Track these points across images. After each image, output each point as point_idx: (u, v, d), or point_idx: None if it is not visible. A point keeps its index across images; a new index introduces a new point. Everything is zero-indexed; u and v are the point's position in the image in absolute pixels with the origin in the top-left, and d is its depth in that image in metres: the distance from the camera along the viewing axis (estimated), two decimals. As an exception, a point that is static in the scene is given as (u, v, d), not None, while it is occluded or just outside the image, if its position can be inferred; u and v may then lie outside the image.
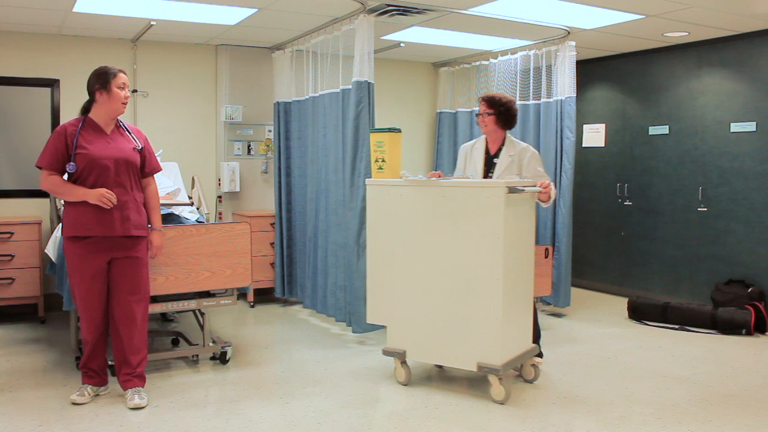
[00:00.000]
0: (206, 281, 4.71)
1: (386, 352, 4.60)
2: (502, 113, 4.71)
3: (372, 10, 5.61)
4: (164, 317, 6.34)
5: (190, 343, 5.26)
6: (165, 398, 4.26)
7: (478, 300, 4.19)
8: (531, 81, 6.85)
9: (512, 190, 4.15)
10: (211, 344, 4.99)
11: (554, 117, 6.56)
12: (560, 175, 6.50)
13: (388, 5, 5.55)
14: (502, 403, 4.18)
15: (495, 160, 4.77)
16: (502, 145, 4.77)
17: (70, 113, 6.65)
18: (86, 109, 4.12)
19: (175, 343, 5.50)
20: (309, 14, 5.88)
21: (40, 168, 4.02)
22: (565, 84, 6.46)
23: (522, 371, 4.65)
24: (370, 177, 4.98)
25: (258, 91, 7.39)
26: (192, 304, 4.82)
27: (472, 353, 4.23)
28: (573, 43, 6.43)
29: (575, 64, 6.43)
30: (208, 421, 3.90)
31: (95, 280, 4.04)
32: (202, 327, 4.98)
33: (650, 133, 7.33)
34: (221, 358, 5.00)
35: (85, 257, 4.01)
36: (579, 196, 7.46)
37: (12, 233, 6.00)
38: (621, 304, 7.00)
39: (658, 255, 7.29)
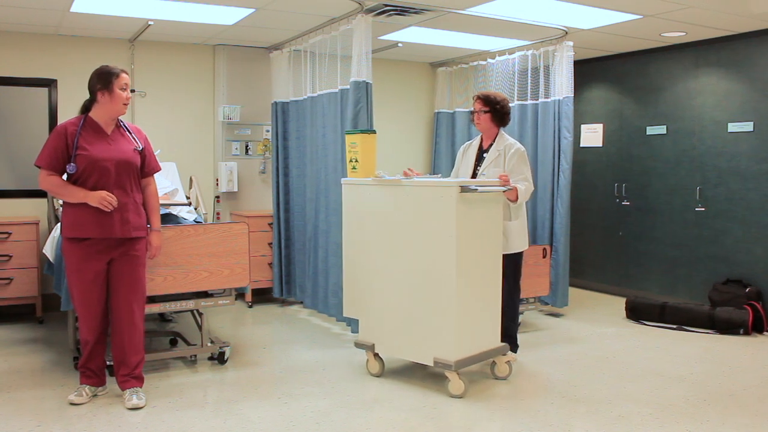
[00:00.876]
0: (204, 281, 4.71)
1: (357, 345, 4.80)
2: (497, 111, 4.92)
3: (370, 10, 5.61)
4: (162, 317, 6.33)
5: (188, 344, 5.25)
6: (163, 398, 4.26)
7: (434, 297, 4.32)
8: (529, 81, 6.85)
9: (465, 189, 4.23)
10: (209, 344, 4.99)
11: (552, 117, 6.56)
12: (558, 175, 6.50)
13: (386, 5, 5.55)
14: (460, 397, 4.29)
15: (485, 155, 4.98)
16: (494, 141, 4.97)
17: (67, 113, 6.63)
18: (86, 108, 4.10)
19: (173, 343, 5.50)
20: (307, 14, 5.88)
21: (38, 167, 3.99)
22: (562, 84, 6.46)
23: (495, 369, 4.69)
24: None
25: (256, 91, 7.39)
26: (190, 304, 4.82)
27: (429, 348, 4.37)
28: (570, 43, 6.43)
29: (573, 64, 6.43)
30: (207, 422, 3.90)
31: (95, 282, 4.03)
32: (200, 327, 4.98)
33: (648, 133, 7.34)
34: (219, 359, 4.99)
35: (85, 259, 3.99)
36: (577, 196, 7.46)
37: (10, 233, 5.99)
38: (619, 303, 7.00)
39: (656, 255, 7.29)
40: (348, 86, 5.69)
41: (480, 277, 4.43)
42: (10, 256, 5.99)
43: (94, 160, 3.97)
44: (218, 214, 7.32)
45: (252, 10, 5.74)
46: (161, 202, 5.45)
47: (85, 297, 4.04)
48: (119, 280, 4.10)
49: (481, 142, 5.07)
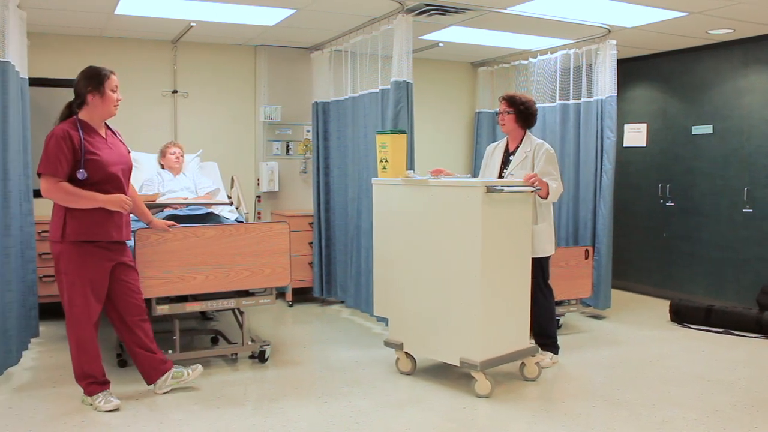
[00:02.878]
0: (245, 280, 4.73)
1: (387, 344, 4.84)
2: (522, 112, 4.89)
3: (410, 10, 5.59)
4: (203, 316, 6.39)
5: (229, 342, 5.29)
6: (204, 396, 4.29)
7: (459, 297, 4.32)
8: (571, 80, 6.78)
9: (491, 189, 4.19)
10: (250, 343, 5.02)
11: (595, 117, 6.48)
12: (601, 175, 6.43)
13: (427, 5, 5.53)
14: (486, 397, 4.28)
15: (511, 157, 4.95)
16: (521, 143, 4.93)
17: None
18: (70, 111, 4.02)
19: (215, 341, 5.55)
20: (347, 14, 5.88)
21: (40, 175, 3.85)
22: (605, 83, 6.38)
23: (524, 370, 4.67)
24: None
25: (296, 91, 7.42)
26: (231, 303, 4.85)
27: (455, 348, 4.37)
28: (614, 42, 6.34)
29: (616, 62, 6.35)
30: (247, 420, 3.92)
31: (102, 283, 4.02)
32: (241, 326, 5.01)
33: (693, 133, 7.20)
34: (260, 357, 5.02)
35: (94, 261, 3.96)
36: (620, 197, 7.36)
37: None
38: (663, 306, 6.88)
39: (702, 257, 7.15)
40: (389, 86, 5.68)
41: (507, 278, 4.41)
42: (55, 255, 6.09)
43: (105, 164, 3.95)
44: (259, 213, 7.37)
45: (293, 11, 5.77)
46: (203, 201, 5.53)
47: (88, 298, 3.97)
48: (126, 282, 4.14)
49: (507, 144, 5.04)
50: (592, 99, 6.54)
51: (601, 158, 6.43)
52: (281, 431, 3.77)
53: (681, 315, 6.37)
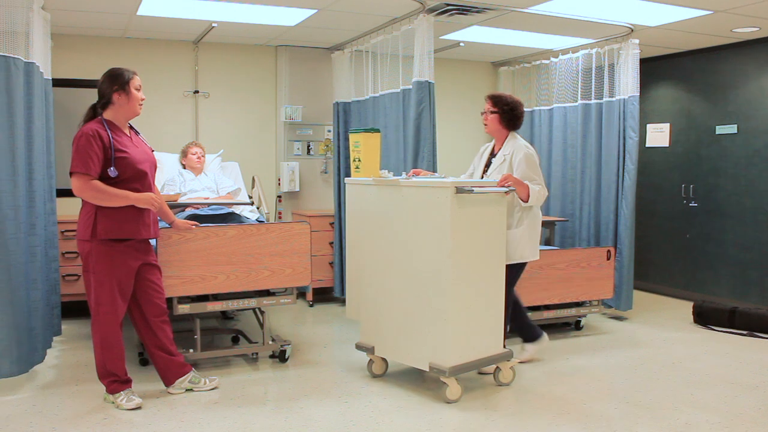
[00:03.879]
0: (266, 280, 4.75)
1: (358, 347, 4.74)
2: (506, 112, 4.71)
3: (431, 10, 5.59)
4: (224, 315, 6.41)
5: (249, 341, 5.31)
6: (225, 395, 4.31)
7: (430, 300, 4.20)
8: (593, 80, 6.74)
9: (461, 190, 4.07)
10: (270, 342, 5.03)
11: (617, 117, 6.44)
12: (623, 175, 6.38)
13: (448, 4, 5.52)
14: (455, 402, 4.18)
15: (493, 159, 4.79)
16: (503, 145, 4.77)
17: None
18: (94, 112, 4.06)
19: (235, 340, 5.57)
20: (368, 14, 5.89)
21: (72, 174, 3.89)
22: (628, 83, 6.34)
23: (498, 375, 4.51)
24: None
25: (317, 91, 7.43)
26: (252, 302, 4.87)
27: (425, 353, 4.26)
28: (636, 41, 6.30)
29: (639, 62, 6.30)
30: (267, 419, 3.93)
31: (129, 282, 4.06)
32: (261, 325, 5.02)
33: (717, 133, 7.13)
34: (280, 357, 5.04)
35: (123, 260, 4.00)
36: (642, 198, 7.30)
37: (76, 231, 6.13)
38: (685, 308, 6.82)
39: (726, 258, 7.08)
40: (410, 86, 5.68)
41: (479, 281, 4.27)
42: (77, 254, 6.13)
43: (134, 162, 3.99)
44: (280, 213, 7.39)
45: (314, 11, 5.78)
46: (224, 201, 5.55)
47: (116, 297, 4.00)
48: (152, 280, 4.19)
49: (494, 146, 4.89)
50: (614, 99, 6.50)
51: (624, 158, 6.39)
52: (301, 431, 3.78)
53: (704, 317, 6.30)
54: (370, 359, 4.70)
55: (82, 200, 3.99)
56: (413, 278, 4.30)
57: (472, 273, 4.22)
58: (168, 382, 4.30)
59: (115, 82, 4.00)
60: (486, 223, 4.30)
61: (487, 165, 4.84)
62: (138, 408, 4.03)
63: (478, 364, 4.34)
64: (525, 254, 4.68)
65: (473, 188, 4.16)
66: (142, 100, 4.11)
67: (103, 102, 4.03)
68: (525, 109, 7.62)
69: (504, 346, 4.52)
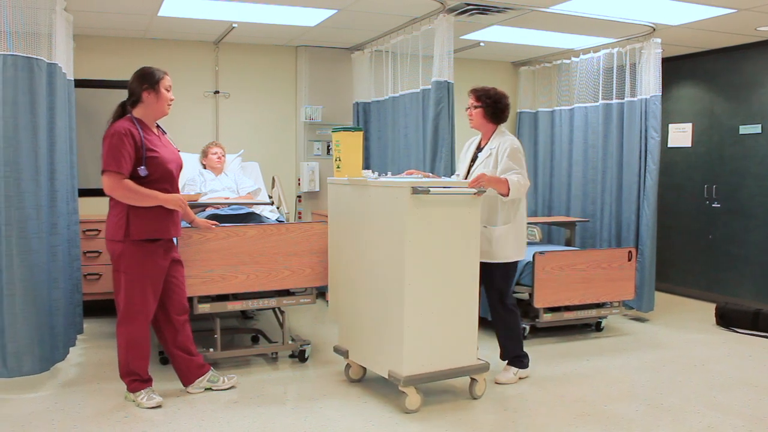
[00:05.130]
0: (286, 280, 4.76)
1: (335, 350, 4.68)
2: (489, 106, 4.53)
3: (452, 10, 5.57)
4: (244, 315, 6.44)
5: (269, 341, 5.32)
6: (244, 394, 4.32)
7: (389, 306, 4.05)
8: (614, 79, 6.69)
9: (417, 190, 3.90)
10: (290, 342, 5.04)
11: (638, 116, 6.39)
12: (644, 176, 6.34)
13: (468, 4, 5.50)
14: (414, 412, 4.01)
15: (479, 154, 4.63)
16: (490, 139, 4.61)
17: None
18: (122, 110, 4.07)
19: (255, 340, 5.58)
20: (388, 14, 5.88)
21: (104, 171, 3.89)
22: (650, 82, 6.29)
23: (473, 387, 4.27)
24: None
25: (337, 91, 7.44)
26: (272, 302, 4.88)
27: (385, 360, 4.13)
28: (658, 40, 6.25)
29: (661, 61, 6.25)
30: (287, 418, 3.93)
31: (161, 281, 4.09)
32: (281, 325, 5.03)
33: (741, 133, 7.05)
34: (300, 356, 5.04)
35: (154, 260, 4.03)
36: (664, 198, 7.24)
37: (98, 231, 6.19)
38: (708, 309, 6.76)
39: (749, 259, 7.00)
40: (429, 86, 5.67)
41: (444, 287, 4.05)
42: (99, 253, 6.20)
43: (163, 162, 4.02)
44: (300, 213, 7.40)
45: (334, 11, 5.78)
46: (244, 201, 5.57)
47: (148, 297, 4.03)
48: (178, 279, 4.24)
49: (480, 141, 4.70)
50: (635, 98, 6.45)
51: (645, 159, 6.34)
52: (320, 431, 3.78)
53: (727, 319, 6.24)
54: (347, 363, 4.61)
55: (111, 201, 4.01)
56: (376, 281, 4.17)
57: (434, 277, 4.02)
58: (187, 381, 4.32)
59: (146, 80, 4.01)
60: (453, 224, 4.09)
61: (473, 159, 4.67)
62: (158, 407, 4.05)
63: (442, 375, 4.15)
64: (509, 254, 4.49)
65: (429, 189, 3.95)
66: (171, 100, 4.12)
67: (133, 100, 4.05)
68: (546, 110, 7.69)
69: (513, 352, 4.47)
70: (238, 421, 3.88)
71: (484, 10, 5.66)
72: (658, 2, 5.42)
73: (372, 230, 4.21)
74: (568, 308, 5.69)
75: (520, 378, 4.64)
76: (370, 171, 4.45)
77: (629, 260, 5.92)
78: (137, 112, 4.04)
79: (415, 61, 6.06)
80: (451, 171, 5.46)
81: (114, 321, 6.14)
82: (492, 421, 3.96)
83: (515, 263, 4.60)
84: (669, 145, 7.71)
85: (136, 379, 4.10)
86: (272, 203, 5.93)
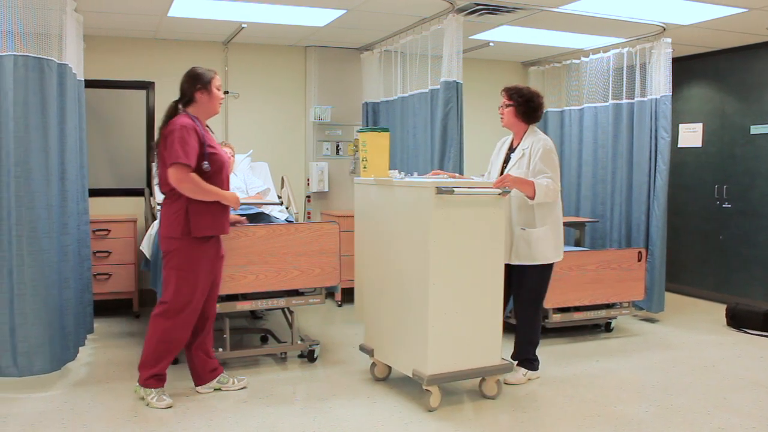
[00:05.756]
0: (295, 280, 4.76)
1: (361, 349, 4.71)
2: (521, 105, 4.52)
3: (461, 10, 5.57)
4: (253, 315, 6.45)
5: (278, 341, 5.33)
6: (253, 394, 4.33)
7: (414, 305, 4.09)
8: (624, 79, 6.67)
9: (441, 190, 3.92)
10: (299, 342, 5.04)
11: (648, 116, 6.37)
12: (654, 176, 6.31)
13: (477, 4, 5.50)
14: (431, 411, 4.03)
15: (512, 155, 4.62)
16: (522, 139, 4.60)
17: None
18: (175, 110, 4.11)
19: (264, 340, 5.59)
20: (397, 15, 5.88)
21: (173, 164, 3.89)
22: (660, 82, 6.26)
23: (482, 385, 4.30)
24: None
25: (346, 91, 7.44)
26: (281, 302, 4.88)
27: (410, 359, 4.16)
28: (669, 40, 6.22)
29: (671, 61, 6.23)
30: (296, 418, 3.94)
31: (210, 279, 4.16)
32: (290, 325, 5.04)
33: (752, 133, 7.01)
34: (309, 356, 5.04)
35: (210, 256, 4.09)
36: (674, 198, 7.21)
37: (109, 231, 6.21)
38: (718, 310, 6.73)
39: (761, 260, 6.96)
40: (438, 86, 5.67)
41: (469, 287, 4.07)
42: (109, 252, 6.22)
43: (221, 159, 4.10)
44: (309, 213, 7.40)
45: (343, 12, 5.78)
46: (253, 201, 5.57)
47: (200, 294, 4.08)
48: (218, 277, 4.27)
49: (513, 141, 4.69)
50: (645, 98, 6.43)
51: (655, 159, 6.32)
52: (330, 431, 3.78)
53: (738, 319, 6.21)
54: (373, 362, 4.65)
55: (168, 197, 4.04)
56: (401, 280, 4.21)
57: (458, 277, 4.03)
58: (201, 382, 4.33)
59: (198, 81, 4.08)
60: (478, 225, 4.09)
61: (506, 160, 4.67)
62: (168, 408, 4.05)
63: (465, 374, 4.17)
64: (549, 255, 4.50)
65: (453, 189, 3.96)
66: (222, 99, 4.20)
67: (186, 100, 4.11)
68: (555, 109, 7.67)
69: (526, 355, 4.47)
70: (247, 421, 3.88)
71: (493, 10, 5.65)
72: (669, 2, 5.40)
73: (397, 230, 4.26)
74: (577, 309, 5.67)
75: (529, 379, 4.63)
76: (396, 171, 4.50)
77: (639, 261, 5.90)
78: (191, 111, 4.11)
79: (424, 61, 6.05)
80: (460, 171, 5.45)
81: (123, 321, 6.21)
82: (501, 421, 3.95)
83: (552, 264, 4.61)
84: (679, 145, 7.68)
85: (154, 376, 4.10)
86: (281, 203, 5.94)
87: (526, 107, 4.53)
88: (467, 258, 4.07)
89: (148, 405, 4.07)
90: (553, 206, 4.51)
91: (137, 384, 4.15)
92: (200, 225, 3.99)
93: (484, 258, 4.14)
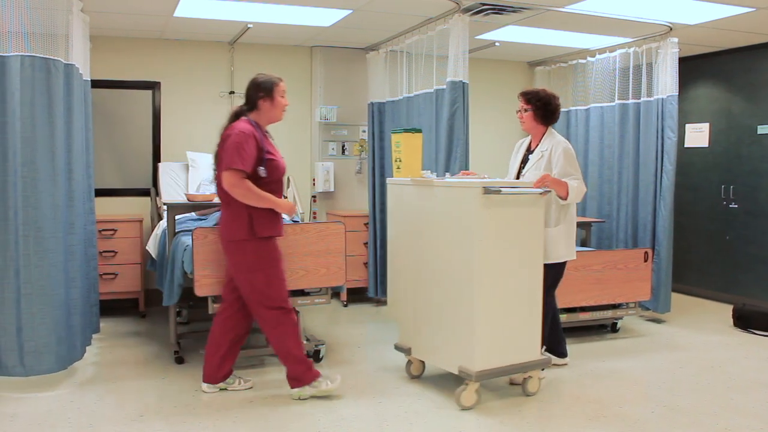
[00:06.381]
0: (301, 280, 4.76)
1: (396, 348, 4.73)
2: (540, 108, 4.61)
3: (467, 10, 5.56)
4: (259, 314, 6.44)
5: (284, 341, 5.32)
6: (259, 394, 4.34)
7: (459, 303, 4.14)
8: (630, 79, 6.65)
9: (488, 191, 3.99)
10: (305, 342, 5.04)
11: (655, 116, 6.35)
12: (661, 176, 6.30)
13: (483, 4, 5.49)
14: (469, 409, 4.09)
15: (530, 156, 4.70)
16: (541, 141, 4.68)
17: (170, 114, 6.88)
18: (237, 116, 4.19)
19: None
20: (403, 15, 5.88)
21: (228, 169, 3.95)
22: (666, 82, 6.25)
23: (524, 383, 4.37)
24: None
25: (352, 91, 7.44)
26: (287, 302, 4.89)
27: (455, 356, 4.20)
28: (675, 40, 6.21)
29: (677, 61, 6.21)
30: (302, 418, 3.94)
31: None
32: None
33: (759, 133, 6.99)
34: (315, 356, 5.04)
35: (278, 254, 4.20)
36: (680, 199, 7.19)
37: (115, 230, 6.23)
38: (725, 311, 6.71)
39: (767, 260, 6.94)
40: (444, 86, 5.67)
41: (512, 284, 4.16)
42: (116, 252, 6.23)
43: (278, 166, 4.15)
44: (315, 213, 7.41)
45: (349, 12, 5.79)
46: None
47: (285, 287, 4.21)
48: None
49: (530, 143, 4.81)
50: (652, 98, 6.41)
51: (662, 159, 6.30)
52: (335, 430, 3.78)
53: (745, 320, 6.19)
54: (409, 360, 4.69)
55: (227, 200, 4.09)
56: (444, 279, 4.25)
57: (503, 275, 4.12)
58: (211, 380, 4.35)
59: (262, 89, 4.16)
60: (520, 224, 4.19)
61: (523, 161, 4.76)
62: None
63: (510, 370, 4.25)
64: (561, 254, 4.59)
65: (501, 189, 4.06)
66: (286, 105, 4.25)
67: (249, 107, 4.19)
68: (561, 110, 7.62)
69: (541, 353, 4.48)
70: (253, 421, 3.89)
71: (499, 10, 5.64)
72: (675, 1, 5.38)
73: (439, 229, 4.30)
74: (583, 309, 5.66)
75: (554, 364, 4.75)
76: (429, 171, 4.57)
77: (645, 261, 5.89)
78: (252, 117, 4.17)
79: (429, 61, 6.04)
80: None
81: (130, 320, 6.22)
82: (506, 421, 3.95)
83: (564, 263, 4.68)
84: (686, 145, 7.66)
85: (309, 367, 4.24)
86: (287, 203, 5.93)
87: (545, 110, 4.63)
88: (510, 256, 4.16)
89: (327, 394, 4.25)
90: (569, 206, 4.60)
91: (297, 390, 4.23)
92: (263, 226, 4.07)
93: (525, 255, 4.24)
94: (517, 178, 4.72)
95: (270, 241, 4.12)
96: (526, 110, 4.65)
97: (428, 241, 4.39)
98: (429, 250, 4.38)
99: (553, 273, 4.60)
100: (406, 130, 4.61)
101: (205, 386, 4.34)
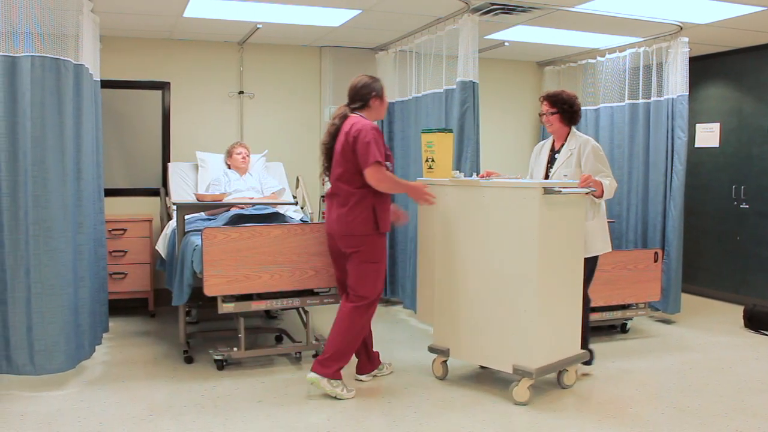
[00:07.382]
0: (310, 280, 4.76)
1: (431, 350, 4.71)
2: (566, 111, 4.72)
3: (476, 9, 5.55)
4: (268, 314, 6.46)
5: (293, 341, 5.34)
6: (268, 393, 4.34)
7: (514, 302, 4.19)
8: (640, 79, 6.62)
9: (548, 191, 4.08)
10: (313, 342, 5.05)
11: (665, 116, 6.33)
12: (671, 176, 6.27)
13: (493, 4, 5.48)
14: (524, 405, 4.16)
15: (557, 156, 4.79)
16: (566, 140, 4.78)
17: (180, 115, 6.90)
18: (346, 114, 4.36)
19: (279, 340, 5.60)
20: (413, 15, 5.87)
21: (373, 163, 4.15)
22: (676, 82, 6.22)
23: (562, 376, 4.48)
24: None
25: (361, 91, 7.43)
26: (296, 302, 4.89)
27: (508, 355, 4.24)
28: (686, 39, 6.18)
29: (688, 60, 6.18)
30: (310, 418, 3.94)
31: None
32: (305, 325, 5.04)
33: (770, 133, 6.97)
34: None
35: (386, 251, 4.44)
36: (691, 199, 7.15)
37: (125, 230, 6.24)
38: (736, 312, 6.67)
39: (778, 261, 6.91)
40: (453, 86, 5.66)
41: (561, 281, 4.28)
42: (125, 252, 6.25)
43: (391, 159, 4.40)
44: (324, 213, 7.39)
45: (358, 12, 5.78)
46: (268, 201, 5.59)
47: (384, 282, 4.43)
48: None
49: (553, 143, 4.90)
50: (662, 98, 6.39)
51: (672, 159, 6.27)
52: (344, 430, 3.78)
53: (756, 321, 6.16)
54: (435, 360, 4.72)
55: (350, 197, 4.28)
56: (494, 279, 4.29)
57: (555, 272, 4.23)
58: (365, 371, 4.67)
59: (373, 88, 4.38)
60: (567, 222, 4.31)
61: (549, 161, 4.84)
62: (352, 398, 4.27)
63: (560, 365, 4.35)
64: (598, 247, 4.70)
65: (561, 189, 4.17)
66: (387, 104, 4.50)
67: (360, 105, 4.39)
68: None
69: (582, 347, 4.54)
70: (262, 421, 3.89)
71: (509, 9, 5.63)
72: (686, 1, 5.36)
73: (487, 230, 4.34)
74: (593, 309, 5.63)
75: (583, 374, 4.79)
76: (457, 171, 4.71)
77: (655, 261, 5.87)
78: (364, 115, 4.37)
79: (438, 61, 6.03)
80: (477, 171, 5.43)
81: (139, 320, 6.23)
82: (515, 421, 3.94)
83: (597, 257, 4.77)
84: (696, 145, 7.63)
85: (342, 368, 4.30)
86: (296, 203, 5.95)
87: (571, 112, 4.74)
88: (561, 253, 4.27)
89: (336, 397, 4.22)
90: (600, 201, 4.70)
91: (316, 376, 4.25)
92: (385, 222, 4.31)
93: (569, 253, 4.36)
94: (546, 178, 4.80)
95: (384, 237, 4.36)
96: (552, 113, 4.74)
97: (474, 241, 4.41)
98: (475, 251, 4.40)
99: (590, 266, 4.69)
100: (440, 130, 4.70)
101: (363, 377, 4.63)
